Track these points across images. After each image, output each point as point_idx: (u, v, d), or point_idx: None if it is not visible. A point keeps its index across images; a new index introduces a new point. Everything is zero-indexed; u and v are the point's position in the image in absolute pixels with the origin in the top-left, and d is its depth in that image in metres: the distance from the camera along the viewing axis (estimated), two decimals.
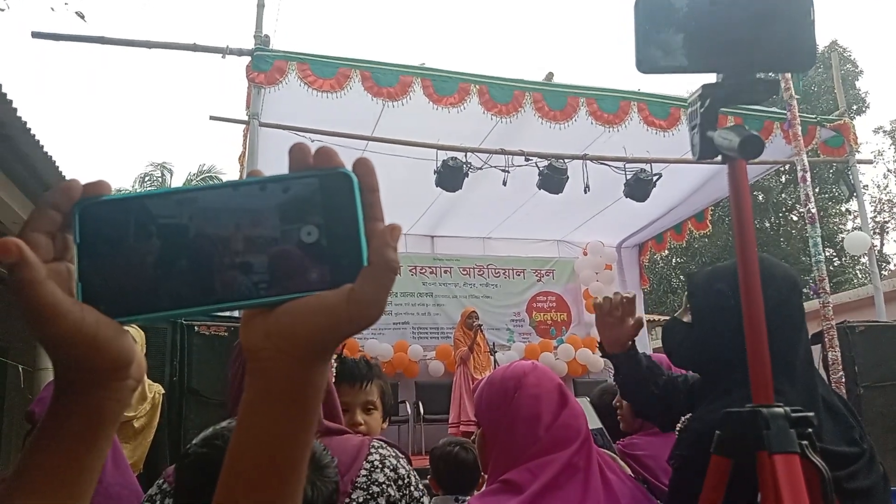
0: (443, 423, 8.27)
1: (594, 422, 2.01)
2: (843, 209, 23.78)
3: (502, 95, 7.14)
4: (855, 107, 22.52)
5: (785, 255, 21.49)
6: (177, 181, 22.23)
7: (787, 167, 13.08)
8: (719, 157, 1.28)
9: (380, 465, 1.58)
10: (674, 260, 23.88)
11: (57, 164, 5.11)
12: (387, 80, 6.79)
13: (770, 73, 1.32)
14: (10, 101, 4.27)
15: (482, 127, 7.48)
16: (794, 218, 23.37)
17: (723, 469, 1.27)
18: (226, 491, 0.54)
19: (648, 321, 12.61)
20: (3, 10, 6.91)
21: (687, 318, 1.81)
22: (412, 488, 1.61)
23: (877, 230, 24.17)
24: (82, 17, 7.28)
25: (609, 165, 7.93)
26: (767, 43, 1.28)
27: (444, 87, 6.96)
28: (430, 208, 9.42)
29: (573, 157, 7.73)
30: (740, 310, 1.26)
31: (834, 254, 22.94)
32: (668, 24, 1.28)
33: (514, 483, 1.54)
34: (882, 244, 24.69)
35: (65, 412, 0.53)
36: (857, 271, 22.98)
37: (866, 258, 9.17)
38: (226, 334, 5.80)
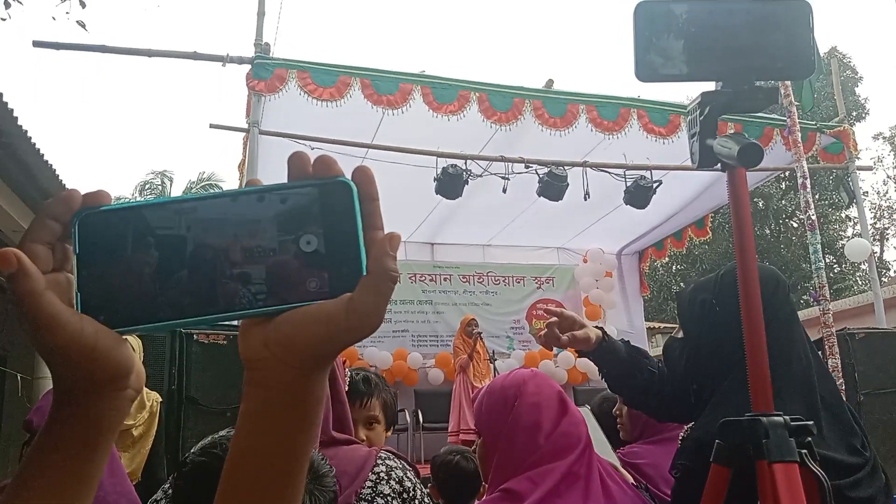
0: (442, 431, 8.25)
1: (596, 434, 1.99)
2: (843, 216, 23.79)
3: (502, 103, 7.15)
4: (854, 113, 22.55)
5: (785, 261, 21.50)
6: (177, 189, 22.24)
7: (787, 174, 13.10)
8: (719, 165, 1.28)
9: (385, 477, 1.57)
10: (674, 267, 23.87)
11: (57, 172, 5.11)
12: (387, 88, 6.80)
13: (769, 82, 1.32)
14: (11, 110, 4.27)
15: (482, 134, 7.49)
16: (794, 224, 23.38)
17: (722, 478, 1.27)
18: (224, 500, 0.53)
19: (648, 328, 12.61)
20: (4, 19, 6.92)
21: (681, 335, 1.82)
22: (417, 502, 1.60)
23: (877, 237, 24.19)
24: (83, 26, 7.28)
25: (609, 172, 7.94)
26: (766, 51, 1.28)
27: (444, 95, 6.97)
28: (429, 216, 9.42)
29: (573, 165, 7.74)
30: (725, 318, 1.27)
31: (834, 260, 22.94)
32: (668, 31, 1.28)
33: (515, 492, 1.54)
34: (882, 251, 24.71)
35: (63, 421, 0.53)
36: (857, 278, 22.97)
37: (866, 265, 9.17)
38: (225, 343, 5.78)
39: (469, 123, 7.08)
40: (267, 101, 6.70)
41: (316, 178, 0.53)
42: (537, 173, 7.69)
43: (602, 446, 1.98)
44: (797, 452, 1.18)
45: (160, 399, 4.86)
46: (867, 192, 24.37)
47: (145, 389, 4.77)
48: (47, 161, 4.92)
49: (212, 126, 7.40)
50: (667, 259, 14.91)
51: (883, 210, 25.67)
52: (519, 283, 10.98)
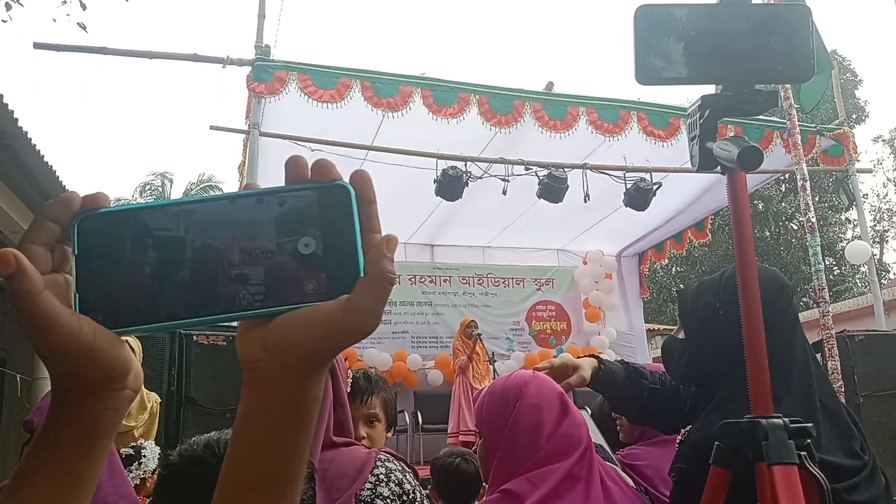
0: (442, 432, 8.25)
1: (596, 436, 2.00)
2: (843, 218, 23.79)
3: (502, 105, 7.16)
4: (854, 116, 22.56)
5: (785, 264, 21.49)
6: (177, 190, 22.26)
7: (786, 176, 13.11)
8: (719, 168, 1.28)
9: (385, 479, 1.57)
10: (674, 269, 23.85)
11: (57, 173, 5.12)
12: (387, 91, 6.81)
13: (769, 85, 1.32)
14: (12, 111, 4.28)
15: (482, 136, 7.50)
16: (794, 227, 23.37)
17: (721, 480, 1.27)
18: (223, 501, 0.53)
19: (648, 330, 12.60)
20: (5, 21, 6.93)
21: (682, 336, 1.81)
22: None
23: (876, 239, 24.19)
24: (84, 27, 7.30)
25: (609, 174, 7.94)
26: (767, 54, 1.28)
27: (444, 98, 6.98)
28: (429, 217, 9.42)
29: (573, 167, 7.75)
30: (728, 320, 1.27)
31: (834, 263, 22.93)
32: (668, 34, 1.28)
33: (515, 493, 1.54)
34: (882, 253, 24.72)
35: (62, 422, 0.53)
36: (857, 280, 22.96)
37: (866, 267, 9.17)
38: (224, 344, 5.79)
39: (469, 125, 7.09)
40: (267, 102, 6.71)
41: (314, 181, 0.54)
42: (537, 175, 7.70)
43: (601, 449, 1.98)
44: (796, 454, 1.18)
45: (159, 400, 4.87)
46: (867, 195, 24.39)
47: (145, 391, 4.79)
48: (47, 162, 4.93)
49: (212, 128, 7.41)
50: (666, 261, 14.92)
51: (883, 212, 25.68)
52: (519, 284, 10.98)
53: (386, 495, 1.54)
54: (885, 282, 20.41)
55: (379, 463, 1.60)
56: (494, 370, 8.07)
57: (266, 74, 6.56)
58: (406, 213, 8.83)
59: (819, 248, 6.59)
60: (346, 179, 0.54)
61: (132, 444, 3.86)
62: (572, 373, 1.94)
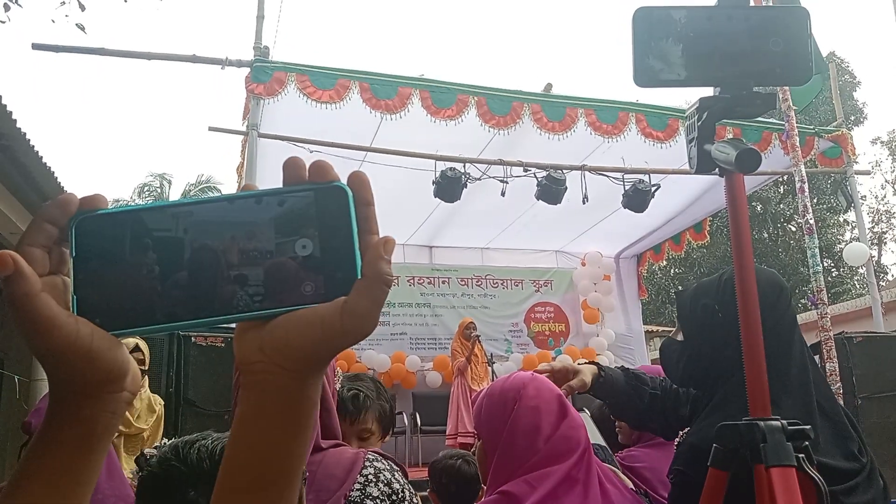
0: (440, 434, 8.25)
1: (595, 438, 2.00)
2: (842, 220, 23.80)
3: (500, 107, 7.16)
4: (853, 118, 22.60)
5: (783, 265, 21.50)
6: (175, 192, 22.26)
7: (785, 178, 13.12)
8: (717, 170, 1.28)
9: (374, 479, 1.57)
10: (672, 270, 23.86)
11: (56, 174, 5.12)
12: (385, 93, 6.81)
13: (767, 87, 1.32)
14: (10, 112, 4.28)
15: (481, 137, 7.50)
16: (793, 228, 23.39)
17: (720, 482, 1.27)
18: (221, 503, 0.53)
19: (646, 332, 12.60)
20: (3, 22, 6.92)
21: (680, 337, 1.81)
22: (406, 503, 1.60)
23: (875, 241, 24.22)
24: (82, 28, 7.29)
25: (607, 176, 7.95)
26: (765, 56, 1.28)
27: (443, 99, 6.98)
28: (428, 219, 9.43)
29: (572, 168, 7.75)
30: (727, 323, 1.27)
31: (832, 264, 22.95)
32: (667, 36, 1.28)
33: (513, 495, 1.54)
34: (880, 255, 24.73)
35: (59, 423, 0.53)
36: (856, 282, 22.99)
37: (864, 269, 9.18)
38: (222, 345, 5.79)
39: (468, 127, 7.10)
40: (266, 104, 6.71)
41: (312, 182, 0.54)
42: (536, 177, 7.70)
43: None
44: (794, 457, 1.18)
45: (163, 402, 4.89)
46: (865, 197, 24.40)
47: (151, 394, 4.81)
48: (46, 164, 4.93)
49: (211, 129, 7.41)
50: (665, 262, 14.91)
51: (881, 214, 25.71)
52: (517, 286, 10.98)
53: (375, 495, 1.54)
54: (884, 283, 20.43)
55: (367, 463, 1.60)
56: (493, 372, 8.07)
57: (265, 75, 6.55)
58: (405, 215, 8.84)
59: (817, 250, 6.59)
60: (345, 181, 0.54)
61: (143, 449, 3.88)
62: (573, 377, 1.94)
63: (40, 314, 0.48)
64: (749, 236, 1.30)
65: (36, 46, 6.22)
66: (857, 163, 8.91)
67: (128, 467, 4.27)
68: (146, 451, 1.44)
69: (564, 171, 7.69)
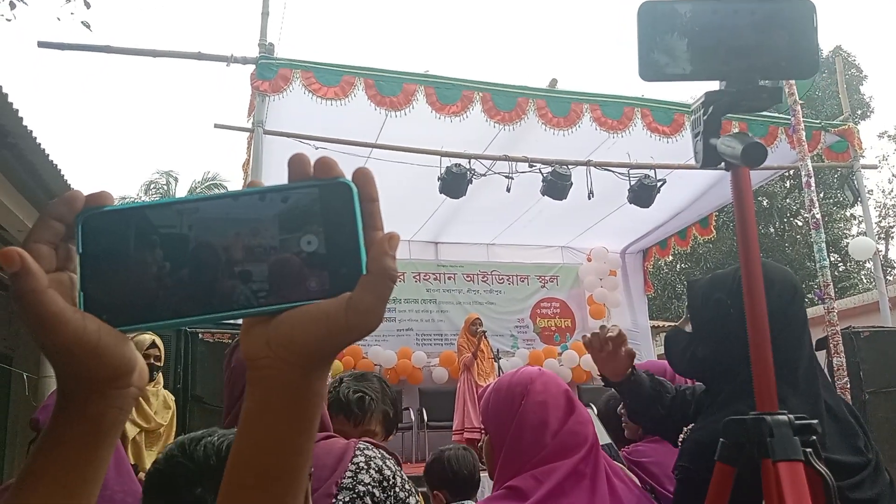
0: (446, 430, 8.26)
1: (602, 437, 1.99)
2: (848, 214, 23.73)
3: (506, 103, 7.15)
4: (859, 112, 22.49)
5: (789, 260, 21.44)
6: (182, 189, 22.30)
7: (791, 172, 13.07)
8: (723, 165, 1.28)
9: (365, 467, 1.58)
10: (678, 266, 23.82)
11: (62, 172, 5.13)
12: (390, 89, 6.80)
13: (773, 81, 1.32)
14: (17, 110, 4.29)
15: (486, 133, 7.49)
16: (799, 223, 23.32)
17: (727, 476, 1.27)
18: (228, 499, 0.54)
19: (653, 327, 12.58)
20: (9, 20, 6.95)
21: (688, 328, 1.81)
22: (397, 489, 1.61)
23: (882, 235, 24.12)
24: (88, 26, 7.32)
25: (613, 171, 7.93)
26: (770, 50, 1.28)
27: (448, 96, 6.97)
28: (433, 215, 9.42)
29: (577, 164, 7.74)
30: (740, 318, 1.26)
31: (839, 259, 22.87)
32: (672, 30, 1.28)
33: (520, 489, 1.54)
34: (887, 249, 24.62)
35: (67, 420, 0.53)
36: (862, 276, 22.91)
37: (871, 263, 9.15)
38: (230, 341, 5.80)
39: (473, 123, 7.08)
40: (271, 101, 6.71)
41: (316, 178, 0.54)
42: (541, 172, 7.69)
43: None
44: (802, 451, 1.18)
45: (173, 398, 4.93)
46: (872, 191, 24.29)
47: (164, 391, 4.83)
48: (52, 161, 4.94)
49: (216, 126, 7.42)
50: (671, 258, 14.90)
51: (888, 208, 25.59)
52: (523, 282, 10.98)
53: (367, 482, 1.55)
54: (891, 278, 20.36)
55: (358, 452, 1.61)
56: (499, 367, 8.08)
57: (270, 72, 6.55)
58: (410, 211, 8.84)
59: (824, 245, 6.58)
60: (350, 177, 0.54)
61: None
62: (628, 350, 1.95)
63: (47, 310, 0.48)
64: (755, 231, 1.30)
65: (42, 44, 6.23)
66: (863, 157, 8.88)
67: (150, 463, 4.30)
68: None
69: (570, 167, 7.68)
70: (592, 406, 3.10)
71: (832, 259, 21.36)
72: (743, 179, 1.29)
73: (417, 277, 10.44)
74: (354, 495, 1.52)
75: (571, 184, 7.67)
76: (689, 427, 1.81)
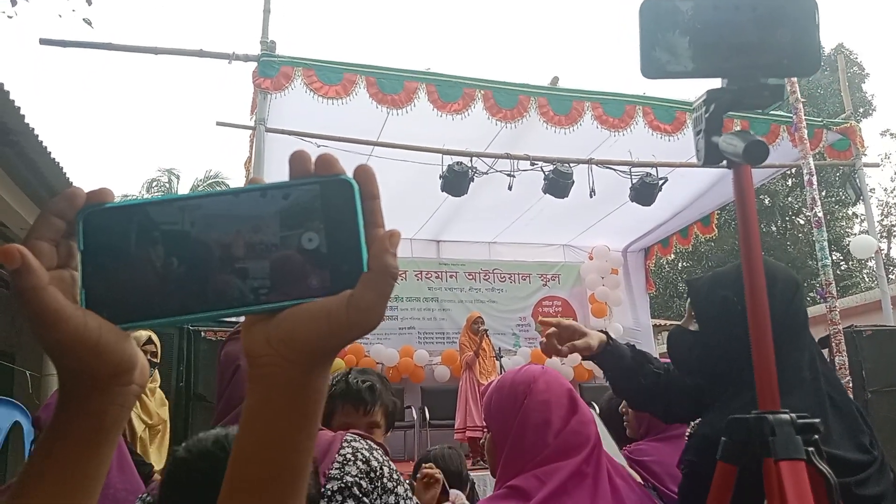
0: (449, 428, 8.26)
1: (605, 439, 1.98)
2: (850, 213, 23.72)
3: (507, 100, 7.15)
4: (861, 110, 22.47)
5: (791, 258, 21.43)
6: (184, 186, 22.33)
7: (793, 171, 13.06)
8: (724, 162, 1.27)
9: (352, 458, 1.58)
10: (680, 264, 23.82)
11: (64, 169, 5.14)
12: (392, 87, 6.80)
13: (775, 78, 1.32)
14: (18, 108, 4.29)
15: (488, 131, 7.49)
16: (801, 221, 23.31)
17: (728, 476, 1.27)
18: (229, 497, 0.54)
19: (654, 325, 12.57)
20: (11, 17, 6.95)
21: (693, 327, 1.80)
22: (385, 479, 1.61)
23: (884, 234, 24.10)
24: (89, 23, 7.32)
25: (614, 169, 7.93)
26: (772, 47, 1.27)
27: (449, 93, 6.97)
28: (435, 213, 9.42)
29: (578, 162, 7.73)
30: (746, 315, 1.26)
31: (841, 258, 22.86)
32: (674, 27, 1.27)
33: (522, 489, 1.54)
34: (889, 248, 24.60)
35: (68, 417, 0.53)
36: (865, 275, 22.90)
37: (873, 262, 9.14)
38: None
39: (474, 121, 7.08)
40: (273, 98, 6.71)
41: (318, 175, 0.54)
42: (543, 171, 7.69)
43: (609, 447, 1.98)
44: (804, 450, 1.17)
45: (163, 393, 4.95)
46: (874, 189, 24.24)
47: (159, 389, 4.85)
48: (54, 159, 4.94)
49: (218, 124, 7.43)
50: (673, 256, 14.90)
51: (890, 207, 25.57)
52: (525, 280, 10.98)
53: (354, 473, 1.55)
54: (893, 277, 20.34)
55: (345, 443, 1.61)
56: (501, 366, 8.08)
57: (272, 70, 6.55)
58: (412, 209, 8.84)
59: (826, 243, 6.57)
60: (351, 175, 0.54)
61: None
62: (579, 338, 1.92)
63: (48, 307, 0.48)
64: (757, 229, 1.30)
65: (43, 41, 6.23)
66: (865, 155, 8.87)
67: (156, 459, 4.34)
68: None
69: (571, 165, 7.68)
70: (594, 405, 3.10)
71: (834, 258, 21.35)
72: (745, 177, 1.28)
73: (419, 276, 10.44)
74: (342, 485, 1.52)
75: (573, 182, 7.67)
76: (697, 422, 1.81)
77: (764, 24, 1.27)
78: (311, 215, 0.53)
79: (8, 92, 4.14)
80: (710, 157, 1.28)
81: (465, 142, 7.39)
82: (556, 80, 7.81)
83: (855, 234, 21.69)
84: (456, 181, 7.45)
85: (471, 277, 10.71)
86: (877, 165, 12.45)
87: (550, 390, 1.66)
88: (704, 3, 1.27)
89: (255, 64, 6.64)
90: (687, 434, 1.88)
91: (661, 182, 7.92)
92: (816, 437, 1.20)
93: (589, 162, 7.79)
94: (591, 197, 7.88)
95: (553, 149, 7.59)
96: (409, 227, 9.74)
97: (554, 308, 10.95)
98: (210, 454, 1.16)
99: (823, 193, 20.01)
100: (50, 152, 4.86)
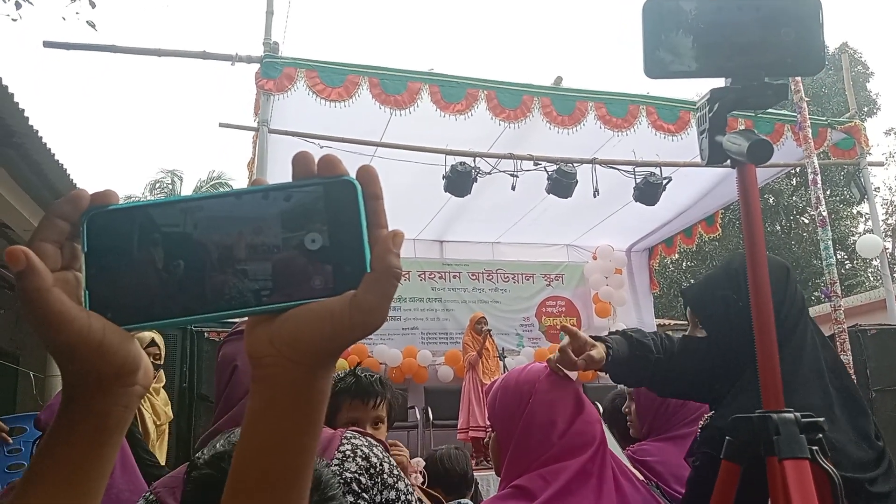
0: (452, 428, 8.25)
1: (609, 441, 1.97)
2: (855, 212, 23.64)
3: (510, 101, 7.14)
4: (866, 108, 22.40)
5: (796, 257, 21.38)
6: (187, 188, 22.36)
7: (797, 170, 13.03)
8: (728, 162, 1.27)
9: (351, 455, 1.58)
10: (684, 264, 23.77)
11: (67, 171, 5.15)
12: (395, 88, 6.79)
13: (779, 78, 1.31)
14: (23, 110, 4.30)
15: (491, 131, 7.49)
16: (805, 221, 23.24)
17: (732, 474, 1.27)
18: (232, 498, 0.54)
19: (658, 325, 12.56)
20: (15, 20, 6.97)
21: (700, 333, 1.80)
22: (385, 475, 1.61)
23: (889, 233, 24.02)
24: (93, 26, 7.33)
25: (618, 169, 7.91)
26: (776, 47, 1.27)
27: (452, 94, 6.96)
28: (438, 213, 9.41)
29: (582, 162, 7.72)
30: (748, 308, 1.26)
31: (845, 257, 22.80)
32: (677, 27, 1.27)
33: (527, 489, 1.54)
34: (894, 247, 24.53)
35: (72, 418, 0.53)
36: (869, 274, 22.83)
37: (878, 261, 9.11)
38: None
39: (478, 121, 7.07)
40: (276, 100, 6.71)
41: (321, 176, 0.54)
42: (546, 170, 7.68)
43: (612, 447, 1.97)
44: (808, 449, 1.17)
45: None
46: (878, 188, 24.20)
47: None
48: (58, 160, 4.95)
49: (221, 125, 7.43)
50: (677, 256, 14.86)
51: (895, 206, 25.49)
52: (528, 280, 10.96)
53: (353, 470, 1.56)
54: None
55: (345, 440, 1.62)
56: (504, 366, 8.07)
57: (275, 71, 6.56)
58: (415, 210, 8.83)
59: (830, 242, 6.55)
60: (354, 175, 0.54)
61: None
62: (590, 348, 1.89)
63: (52, 309, 0.48)
64: (761, 229, 1.30)
65: (47, 44, 6.24)
66: (870, 154, 8.83)
67: (162, 456, 4.37)
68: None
69: (575, 165, 7.67)
70: (598, 405, 3.10)
71: (839, 257, 21.28)
72: (749, 177, 1.28)
73: (422, 276, 10.43)
74: (342, 481, 1.52)
75: (576, 182, 7.66)
76: (709, 415, 1.80)
77: (767, 23, 1.27)
78: (314, 216, 0.53)
79: (12, 94, 4.15)
80: (714, 156, 1.28)
81: (468, 142, 7.39)
82: (559, 80, 7.80)
83: (860, 233, 21.66)
84: (459, 181, 7.44)
85: (474, 278, 10.70)
86: (881, 164, 12.44)
87: (555, 390, 1.66)
88: (708, 3, 1.28)
89: (257, 65, 6.65)
90: (700, 426, 1.87)
91: (665, 182, 7.91)
92: (820, 436, 1.20)
93: (592, 162, 7.78)
94: (594, 197, 7.86)
95: (556, 149, 7.58)
96: (413, 227, 9.73)
97: (557, 308, 10.94)
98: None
99: (828, 192, 19.96)
100: (53, 154, 4.87)
